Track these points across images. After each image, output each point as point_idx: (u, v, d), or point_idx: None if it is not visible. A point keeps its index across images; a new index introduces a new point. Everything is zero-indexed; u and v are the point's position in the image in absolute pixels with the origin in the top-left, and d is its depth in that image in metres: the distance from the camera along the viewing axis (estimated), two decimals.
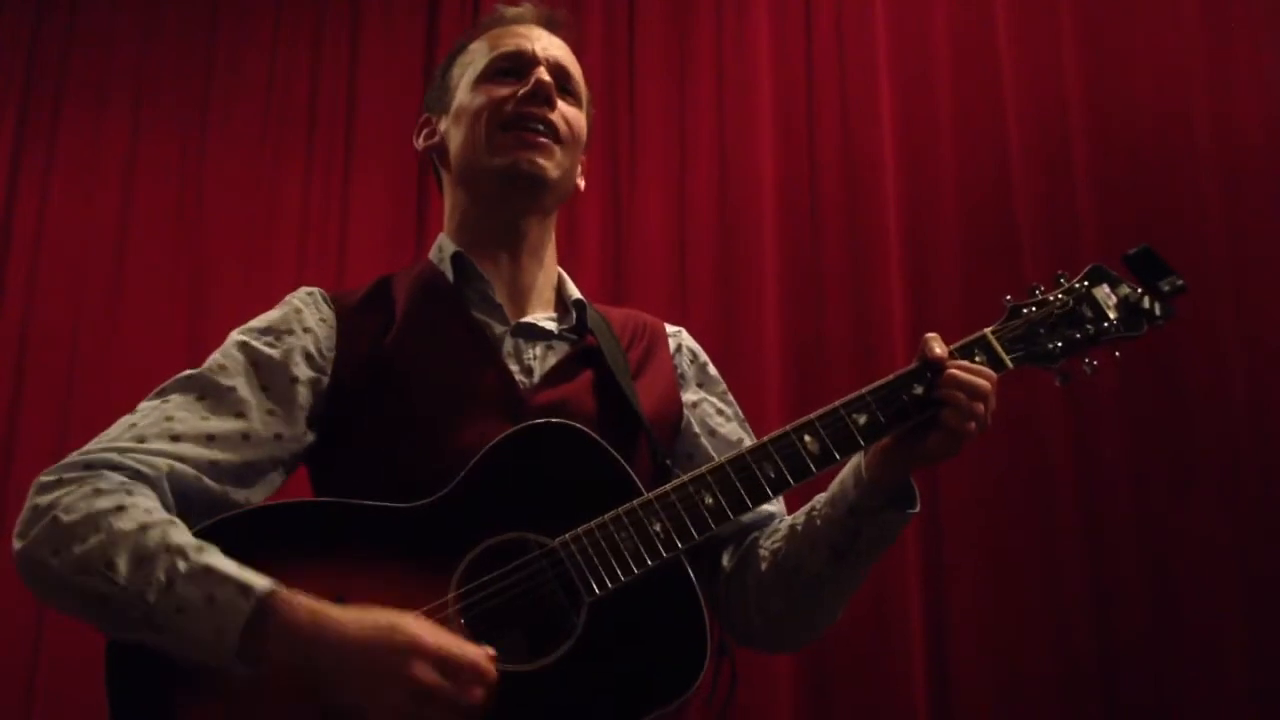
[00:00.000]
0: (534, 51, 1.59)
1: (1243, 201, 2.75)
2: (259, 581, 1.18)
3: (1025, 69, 3.02)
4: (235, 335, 1.46)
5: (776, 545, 1.48)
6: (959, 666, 2.72)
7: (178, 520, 1.25)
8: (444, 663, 1.14)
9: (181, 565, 1.18)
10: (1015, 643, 2.68)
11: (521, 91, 1.54)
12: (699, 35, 3.43)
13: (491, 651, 1.19)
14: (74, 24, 3.78)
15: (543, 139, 1.54)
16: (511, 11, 1.67)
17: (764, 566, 1.48)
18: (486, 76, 1.59)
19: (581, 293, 1.62)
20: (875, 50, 3.18)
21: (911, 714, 2.68)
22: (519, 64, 1.58)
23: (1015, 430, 2.66)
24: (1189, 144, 2.81)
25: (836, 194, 3.14)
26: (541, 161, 1.53)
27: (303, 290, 1.52)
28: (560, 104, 1.57)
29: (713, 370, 1.66)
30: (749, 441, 1.57)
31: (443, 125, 1.64)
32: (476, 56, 1.62)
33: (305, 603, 1.18)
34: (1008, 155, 2.97)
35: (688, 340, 1.67)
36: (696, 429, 1.58)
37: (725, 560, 1.54)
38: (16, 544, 1.24)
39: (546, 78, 1.56)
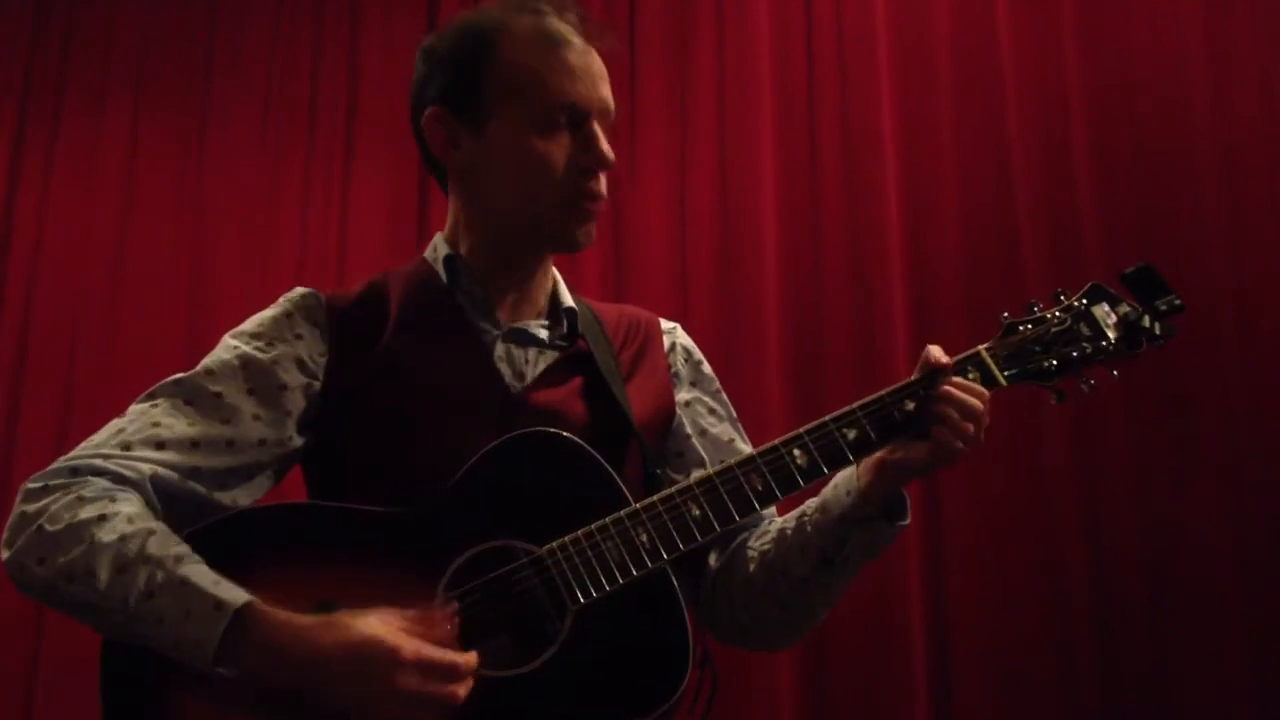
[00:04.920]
0: (596, 103, 1.46)
1: (1243, 194, 2.74)
2: (234, 596, 1.19)
3: (1026, 64, 3.01)
4: (227, 339, 1.46)
5: (765, 548, 1.48)
6: (960, 668, 2.73)
7: (159, 528, 1.26)
8: (424, 668, 1.17)
9: (160, 576, 1.20)
10: (1016, 644, 2.68)
11: (585, 162, 1.45)
12: (699, 36, 3.42)
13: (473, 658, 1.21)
14: (73, 23, 3.79)
15: (597, 207, 1.49)
16: (559, 26, 1.47)
17: (752, 568, 1.48)
18: (541, 126, 1.44)
19: (579, 294, 1.61)
20: (876, 50, 3.17)
21: (912, 716, 2.69)
22: (577, 116, 1.45)
23: (1015, 428, 2.66)
24: (1189, 137, 2.80)
25: (837, 194, 3.13)
26: (593, 234, 1.50)
27: (297, 292, 1.51)
28: None
29: (707, 369, 1.64)
30: (740, 441, 1.58)
31: (467, 143, 1.48)
32: (525, 82, 1.44)
33: (279, 616, 1.20)
34: (1009, 153, 2.96)
35: (682, 338, 1.65)
36: (688, 429, 1.57)
37: (712, 560, 1.54)
38: (4, 552, 1.27)
39: (610, 155, 1.47)
